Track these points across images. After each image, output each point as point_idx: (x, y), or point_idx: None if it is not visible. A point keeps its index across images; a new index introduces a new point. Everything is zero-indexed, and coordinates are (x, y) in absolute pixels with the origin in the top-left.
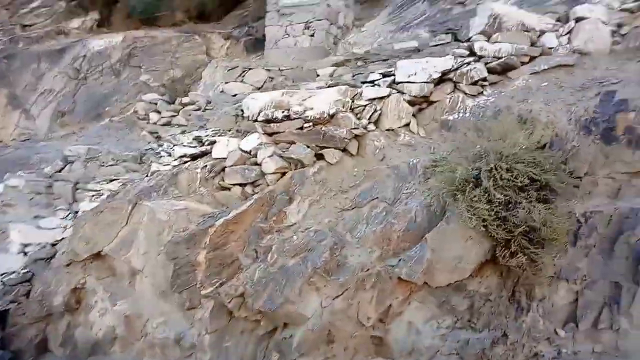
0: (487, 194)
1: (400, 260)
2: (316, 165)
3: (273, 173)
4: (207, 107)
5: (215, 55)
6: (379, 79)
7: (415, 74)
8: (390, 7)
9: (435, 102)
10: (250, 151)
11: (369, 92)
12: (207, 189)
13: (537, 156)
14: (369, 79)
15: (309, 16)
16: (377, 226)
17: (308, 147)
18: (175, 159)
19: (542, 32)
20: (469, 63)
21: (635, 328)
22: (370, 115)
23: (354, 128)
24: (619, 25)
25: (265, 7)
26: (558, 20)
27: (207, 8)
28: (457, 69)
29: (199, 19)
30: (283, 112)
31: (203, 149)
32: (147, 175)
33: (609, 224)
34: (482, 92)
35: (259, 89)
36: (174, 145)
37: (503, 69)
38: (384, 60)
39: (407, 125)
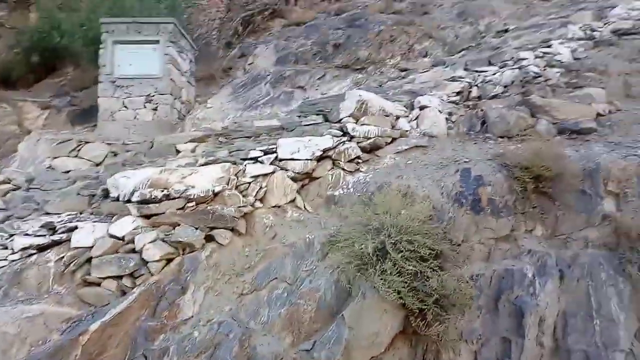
0: (396, 266)
1: (315, 343)
2: (207, 248)
3: (157, 260)
4: (31, 187)
5: (30, 126)
6: (261, 156)
7: (298, 151)
8: (230, 87)
9: (317, 178)
10: (124, 237)
11: (252, 169)
12: (66, 286)
13: (428, 228)
14: (249, 156)
15: (150, 90)
16: (281, 308)
17: (197, 228)
18: (15, 253)
19: (398, 117)
20: (344, 142)
21: None
22: (257, 193)
23: (242, 206)
24: (450, 114)
25: (97, 77)
26: (405, 107)
27: (13, 74)
28: (335, 147)
29: (4, 86)
30: (162, 191)
31: (56, 237)
32: None
33: (491, 285)
34: (358, 169)
35: (98, 164)
36: (10, 235)
37: (371, 148)
38: (248, 137)
39: (293, 201)
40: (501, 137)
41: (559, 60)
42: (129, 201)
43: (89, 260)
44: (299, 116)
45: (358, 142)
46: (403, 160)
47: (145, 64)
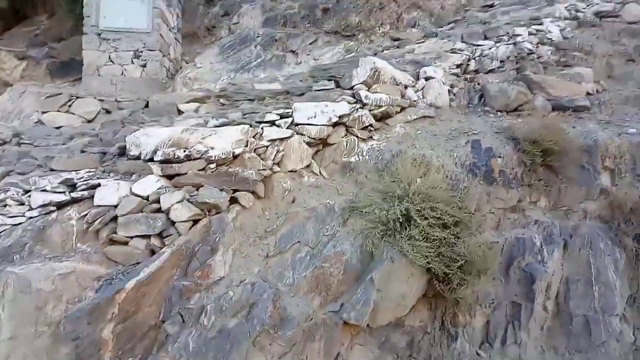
0: (422, 233)
1: (343, 305)
2: (233, 210)
3: (185, 221)
4: (22, 142)
5: (7, 77)
6: (277, 120)
7: (314, 116)
8: (216, 46)
9: (332, 144)
10: (148, 196)
11: (270, 132)
12: (91, 244)
13: (447, 196)
14: (265, 119)
15: (139, 45)
16: (305, 271)
17: (221, 190)
18: (33, 209)
19: (406, 87)
20: (357, 109)
21: (532, 340)
22: (274, 156)
23: (262, 169)
24: (452, 86)
25: (75, 28)
26: (411, 77)
27: None
28: (350, 114)
29: None
30: (184, 151)
31: (76, 194)
32: None
33: (502, 252)
34: (371, 137)
35: (90, 121)
36: (26, 191)
37: (382, 117)
38: (251, 100)
39: (308, 166)
40: (500, 110)
41: (550, 39)
42: (150, 160)
43: (114, 218)
44: (301, 80)
45: (370, 110)
46: (413, 130)
47: (133, 16)
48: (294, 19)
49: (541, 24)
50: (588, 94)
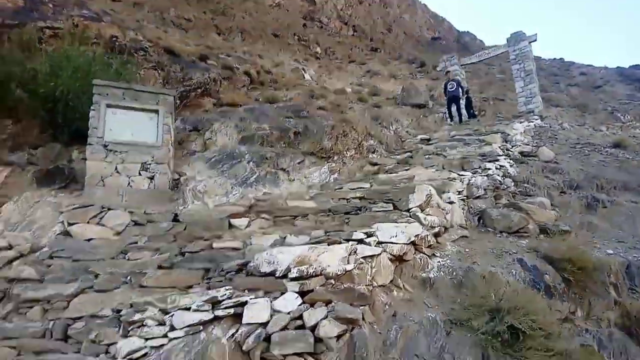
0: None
1: None
2: (365, 326)
3: (333, 337)
4: (56, 255)
5: None
6: (365, 238)
7: (396, 236)
8: (201, 161)
9: (407, 260)
10: (289, 313)
11: (363, 250)
12: None
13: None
14: (353, 237)
15: (147, 157)
16: None
17: (351, 305)
18: (177, 329)
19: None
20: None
21: None
22: (371, 272)
23: (368, 285)
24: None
25: (46, 135)
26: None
27: None
28: (419, 234)
29: None
30: (310, 267)
31: (221, 312)
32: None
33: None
34: (434, 254)
35: (119, 233)
36: (168, 312)
37: (434, 236)
38: (294, 217)
39: (391, 281)
40: (502, 231)
41: (509, 173)
42: (284, 277)
43: (268, 337)
44: (341, 199)
45: (427, 230)
46: (461, 248)
47: (140, 130)
48: (270, 139)
49: (497, 160)
50: (556, 219)
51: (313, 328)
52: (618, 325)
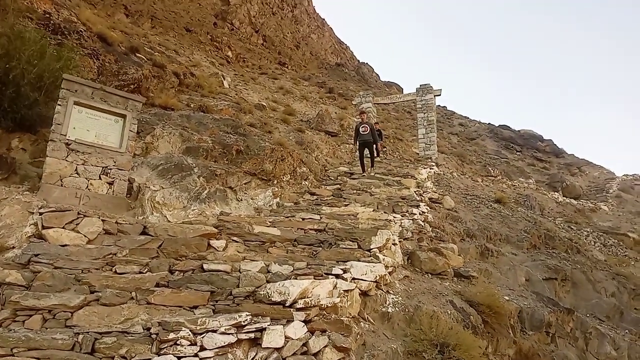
0: None
1: None
2: (352, 354)
3: None
4: (37, 261)
5: None
6: (341, 274)
7: (366, 274)
8: (145, 166)
9: (371, 295)
10: (299, 339)
11: (342, 284)
12: None
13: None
14: (332, 272)
15: (109, 162)
16: None
17: (343, 335)
18: (207, 349)
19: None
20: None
21: None
22: (348, 305)
23: (347, 317)
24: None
25: (30, 127)
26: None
27: None
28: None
29: None
30: (309, 299)
31: (243, 336)
32: None
33: None
34: (389, 291)
35: (90, 241)
36: (198, 334)
37: (389, 274)
38: (262, 242)
39: (359, 314)
40: (427, 272)
41: (428, 218)
42: (290, 306)
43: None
44: (299, 229)
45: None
46: (406, 287)
47: (105, 133)
48: (214, 154)
49: (419, 206)
50: (462, 264)
51: (316, 354)
52: None
